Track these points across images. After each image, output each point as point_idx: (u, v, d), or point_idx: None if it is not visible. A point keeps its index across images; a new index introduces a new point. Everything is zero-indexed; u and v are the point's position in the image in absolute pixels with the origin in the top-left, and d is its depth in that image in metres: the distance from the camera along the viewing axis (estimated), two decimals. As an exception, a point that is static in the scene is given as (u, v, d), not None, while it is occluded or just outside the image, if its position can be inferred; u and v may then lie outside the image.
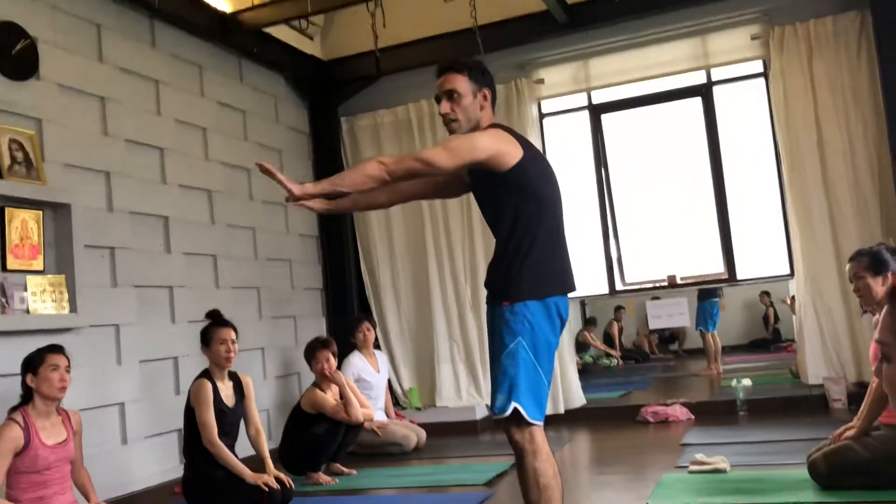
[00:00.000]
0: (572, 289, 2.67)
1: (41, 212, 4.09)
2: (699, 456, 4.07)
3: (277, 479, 3.96)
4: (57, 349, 3.47)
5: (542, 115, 6.55)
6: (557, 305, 2.58)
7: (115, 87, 4.75)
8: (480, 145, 2.51)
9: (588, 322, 11.48)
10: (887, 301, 1.29)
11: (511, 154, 2.55)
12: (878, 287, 3.36)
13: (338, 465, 4.85)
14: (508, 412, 2.44)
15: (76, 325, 4.19)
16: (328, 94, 6.80)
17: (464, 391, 6.34)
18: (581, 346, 10.82)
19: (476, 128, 2.68)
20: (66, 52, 4.46)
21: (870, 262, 3.38)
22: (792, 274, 5.93)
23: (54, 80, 4.34)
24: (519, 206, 2.57)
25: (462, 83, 2.66)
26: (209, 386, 4.03)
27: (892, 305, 1.28)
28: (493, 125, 2.70)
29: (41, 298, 4.01)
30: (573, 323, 10.24)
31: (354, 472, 4.82)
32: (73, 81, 4.47)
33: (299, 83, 6.65)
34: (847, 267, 3.49)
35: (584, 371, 8.12)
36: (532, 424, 2.46)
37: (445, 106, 2.68)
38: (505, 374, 2.46)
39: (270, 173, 2.54)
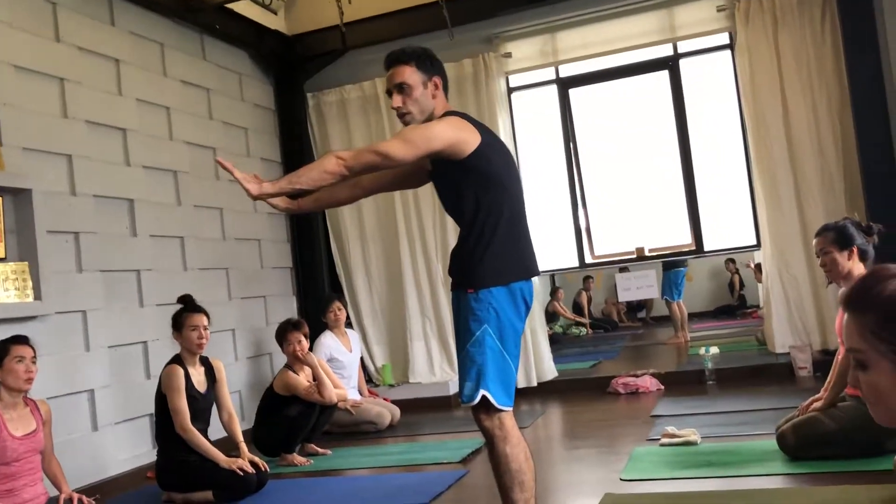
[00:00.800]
0: (536, 273, 2.67)
1: (1, 198, 3.99)
2: (670, 428, 4.13)
3: (252, 463, 3.95)
4: (21, 340, 3.42)
5: (510, 90, 6.51)
6: (522, 290, 2.58)
7: (74, 67, 4.63)
8: (437, 135, 2.47)
9: (554, 291, 11.56)
10: (846, 308, 1.28)
11: (469, 141, 2.52)
12: (845, 261, 3.42)
13: (312, 445, 4.85)
14: (477, 400, 2.45)
15: (41, 312, 4.12)
16: (294, 70, 6.70)
17: (437, 367, 6.37)
18: (551, 316, 10.92)
19: (431, 117, 2.64)
20: (21, 31, 4.33)
21: (836, 236, 3.43)
22: (758, 245, 6.02)
23: (9, 62, 4.21)
24: (479, 192, 2.54)
25: (411, 75, 2.61)
26: (181, 372, 3.99)
27: (852, 312, 1.27)
28: (449, 112, 2.65)
29: (4, 287, 3.93)
30: (543, 294, 10.33)
31: (329, 452, 4.83)
32: (29, 62, 4.34)
33: (264, 59, 6.54)
34: (814, 242, 3.54)
35: (554, 340, 8.20)
36: (501, 410, 2.47)
37: (397, 100, 2.63)
38: (472, 361, 2.46)
39: (228, 170, 2.48)
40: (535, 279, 2.73)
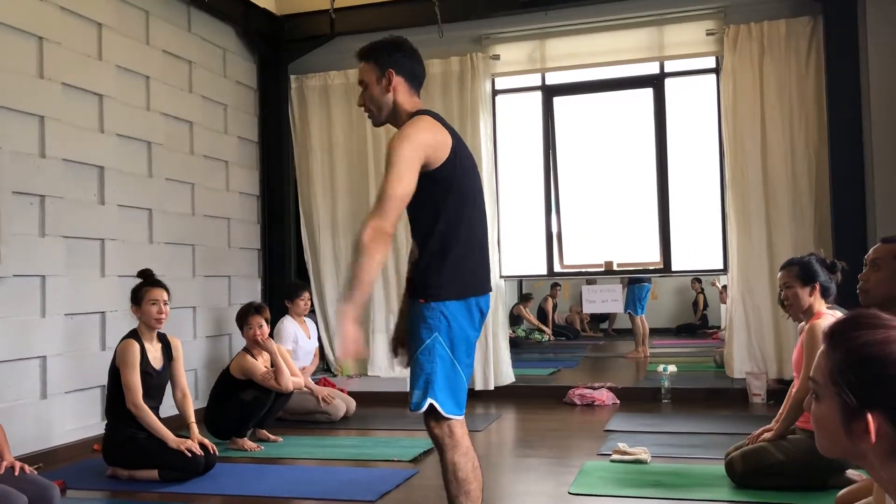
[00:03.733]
0: (490, 289, 2.62)
1: (-33, 154, 3.90)
2: (622, 445, 4.16)
3: (201, 445, 3.92)
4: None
5: (495, 92, 6.50)
6: (478, 302, 2.54)
7: (55, 27, 4.54)
8: (417, 153, 2.38)
9: (524, 298, 11.62)
10: (824, 338, 1.31)
11: (442, 149, 2.45)
12: (806, 296, 3.46)
13: (264, 431, 4.81)
14: (424, 408, 2.42)
15: (-1, 274, 4.05)
16: (279, 51, 6.64)
17: (396, 362, 6.34)
18: (514, 319, 10.96)
19: (397, 113, 2.55)
20: (3, -14, 4.23)
21: (800, 271, 3.47)
22: (725, 269, 6.07)
23: (-11, 16, 4.12)
24: (440, 201, 2.46)
25: (367, 72, 2.55)
26: (136, 347, 3.93)
27: (826, 345, 1.30)
28: (421, 112, 2.53)
29: (-37, 245, 3.84)
30: (509, 296, 10.35)
31: (280, 439, 4.80)
32: (8, 18, 4.25)
33: (250, 37, 6.45)
34: (778, 275, 3.58)
35: (515, 344, 8.23)
36: (450, 419, 2.46)
37: (360, 97, 2.59)
38: (421, 369, 2.43)
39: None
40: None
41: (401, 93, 2.55)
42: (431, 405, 2.42)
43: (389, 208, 2.34)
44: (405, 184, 2.36)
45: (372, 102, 2.56)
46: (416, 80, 2.60)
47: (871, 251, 2.76)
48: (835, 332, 1.30)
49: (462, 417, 2.50)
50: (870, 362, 1.24)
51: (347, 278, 2.39)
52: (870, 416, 1.23)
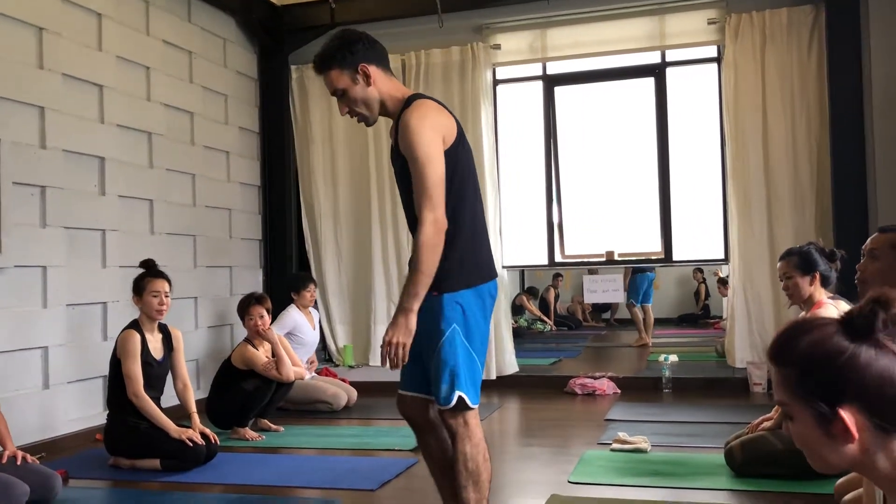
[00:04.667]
0: (496, 274, 2.59)
1: (-32, 145, 3.91)
2: (622, 434, 4.17)
3: (202, 435, 3.93)
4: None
5: (496, 82, 6.49)
6: (489, 288, 2.53)
7: (54, 17, 4.53)
8: (437, 133, 2.35)
9: (528, 291, 11.64)
10: (770, 362, 1.33)
11: (450, 133, 2.41)
12: (806, 286, 3.45)
13: (265, 421, 4.83)
14: (454, 402, 2.39)
15: (0, 265, 4.05)
16: (279, 41, 6.62)
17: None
18: (517, 309, 10.97)
19: (387, 102, 2.47)
20: (2, -24, 4.22)
21: (799, 261, 3.47)
22: (727, 259, 6.07)
23: (-12, 7, 4.12)
24: (445, 187, 2.38)
25: (339, 78, 2.43)
26: (137, 337, 3.95)
27: (774, 366, 1.32)
28: (417, 96, 2.47)
29: (-36, 236, 3.85)
30: (511, 288, 10.36)
31: (282, 429, 4.81)
32: (8, 9, 4.25)
33: (250, 27, 6.44)
34: (778, 265, 3.57)
35: (517, 334, 8.25)
36: (471, 409, 2.44)
37: (342, 108, 2.49)
38: (445, 363, 2.40)
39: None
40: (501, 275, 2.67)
41: (380, 81, 2.48)
42: (461, 398, 2.40)
43: (436, 196, 2.31)
44: (439, 166, 2.33)
45: (359, 105, 2.47)
46: (385, 60, 2.53)
47: (868, 241, 2.76)
48: (776, 351, 1.32)
49: (476, 408, 2.48)
50: (820, 363, 1.26)
51: (410, 279, 2.31)
52: (842, 413, 1.24)
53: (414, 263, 2.32)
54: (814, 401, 1.26)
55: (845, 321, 1.28)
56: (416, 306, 2.31)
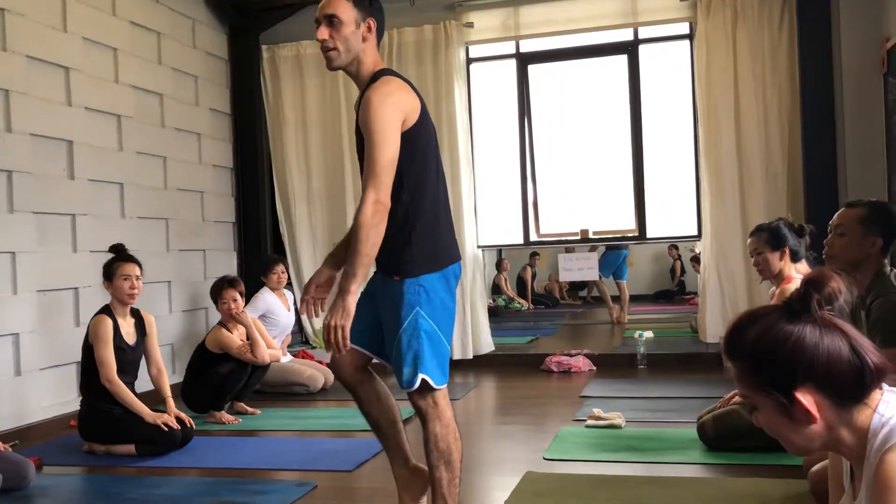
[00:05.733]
0: (459, 256, 2.57)
1: (-70, 130, 3.83)
2: (596, 411, 4.21)
3: (178, 419, 3.92)
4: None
5: (469, 60, 6.46)
6: (453, 270, 2.52)
7: (17, -2, 4.44)
8: (397, 114, 2.34)
9: (500, 262, 11.64)
10: (728, 361, 1.38)
11: (412, 113, 2.39)
12: (776, 261, 3.49)
13: (242, 404, 4.82)
14: (417, 385, 2.41)
15: (-33, 251, 4.00)
16: (250, 20, 6.53)
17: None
18: (496, 288, 11.01)
19: (357, 62, 2.46)
20: (-39, -44, 4.13)
21: (769, 237, 3.50)
22: (699, 235, 6.12)
23: (-52, -13, 4.03)
24: (404, 168, 2.36)
25: (345, 9, 2.41)
26: (109, 322, 3.91)
27: (730, 361, 1.37)
28: (385, 71, 2.46)
29: (-71, 222, 3.78)
30: (489, 267, 10.38)
31: (258, 411, 4.81)
32: (-31, -10, 4.16)
33: (220, 7, 6.35)
34: (748, 241, 3.61)
35: (494, 313, 8.28)
36: (437, 390, 2.46)
37: (324, 32, 2.41)
38: (408, 346, 2.40)
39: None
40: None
41: (370, 45, 2.48)
42: (424, 381, 2.41)
43: (383, 177, 2.29)
44: (392, 148, 2.31)
45: (343, 42, 2.42)
46: (380, 36, 2.55)
47: (835, 216, 2.79)
48: (728, 348, 1.37)
49: (445, 387, 2.50)
50: (769, 351, 1.30)
51: (350, 258, 2.28)
52: (799, 396, 1.27)
53: (353, 244, 2.29)
54: (771, 390, 1.30)
55: (786, 306, 1.32)
56: (355, 287, 2.28)
